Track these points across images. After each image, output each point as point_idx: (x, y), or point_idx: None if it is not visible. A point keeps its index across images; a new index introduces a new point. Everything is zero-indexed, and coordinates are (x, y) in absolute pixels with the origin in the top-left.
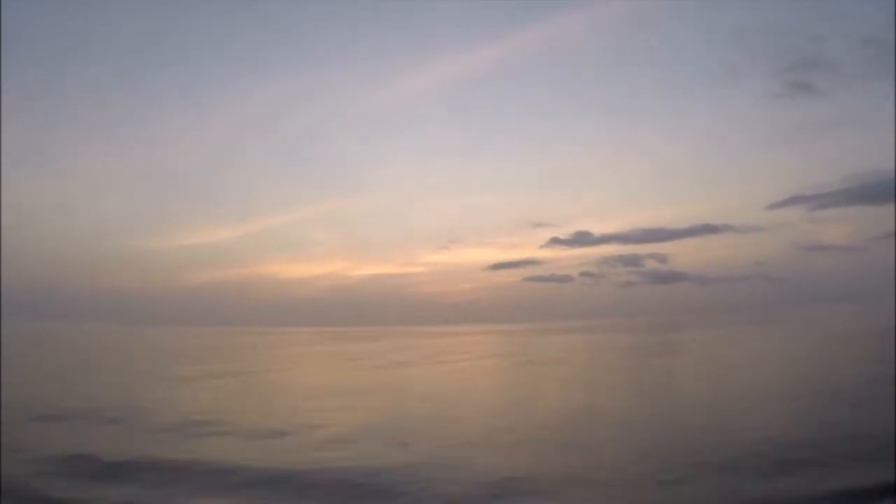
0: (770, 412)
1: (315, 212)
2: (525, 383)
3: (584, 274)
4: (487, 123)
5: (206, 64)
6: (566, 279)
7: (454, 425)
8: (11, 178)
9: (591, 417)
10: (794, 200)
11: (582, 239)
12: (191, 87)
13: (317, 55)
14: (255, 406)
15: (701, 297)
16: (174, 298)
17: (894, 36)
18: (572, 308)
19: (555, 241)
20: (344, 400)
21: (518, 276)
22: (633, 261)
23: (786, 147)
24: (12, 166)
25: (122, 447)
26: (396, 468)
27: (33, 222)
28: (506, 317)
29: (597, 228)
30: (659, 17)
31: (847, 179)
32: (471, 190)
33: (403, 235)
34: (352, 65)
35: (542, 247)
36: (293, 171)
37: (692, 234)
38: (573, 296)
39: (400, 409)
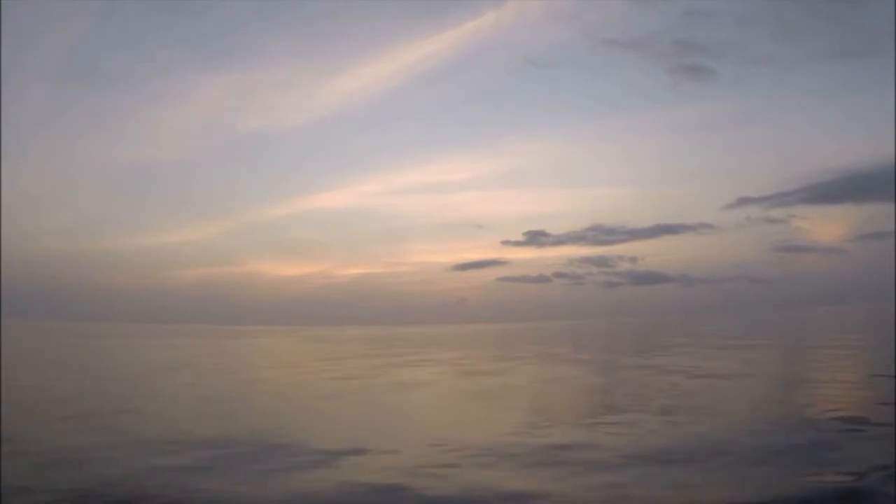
0: None
1: (283, 211)
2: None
3: (558, 274)
4: (428, 121)
5: (179, 57)
6: (541, 279)
7: None
8: None
9: None
10: (745, 201)
11: (536, 240)
12: (167, 81)
13: (284, 47)
14: None
15: (689, 299)
16: (156, 297)
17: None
18: (557, 309)
19: (506, 243)
20: None
21: (492, 277)
22: (602, 262)
23: (702, 142)
24: None
25: None
26: None
27: (10, 220)
28: (497, 317)
29: (547, 228)
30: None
31: (800, 178)
32: (412, 189)
33: (362, 235)
34: (316, 56)
35: (499, 247)
36: (256, 169)
37: (650, 236)
38: (554, 296)
39: None
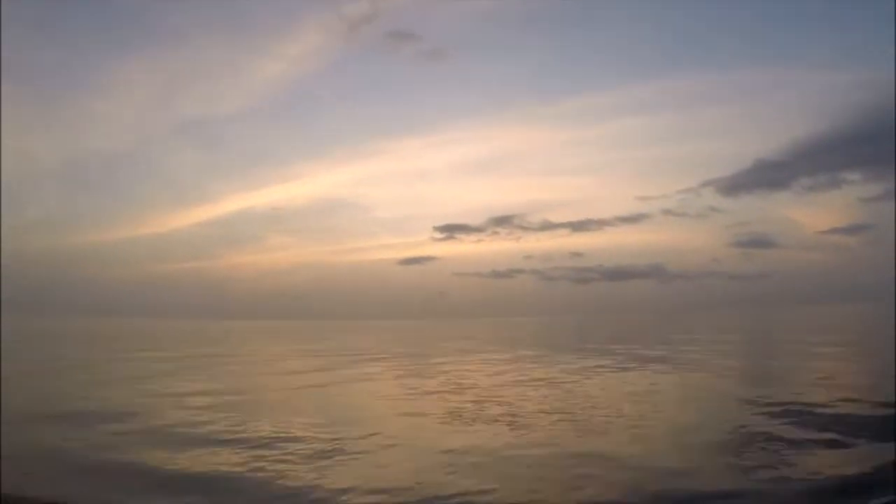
0: None
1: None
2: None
3: (514, 270)
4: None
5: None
6: (497, 275)
7: None
8: None
9: None
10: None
11: (453, 235)
12: (98, 71)
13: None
14: None
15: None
16: (122, 290)
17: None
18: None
19: (431, 239)
20: None
21: (445, 272)
22: (547, 258)
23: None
24: None
25: None
26: None
27: None
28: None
29: (455, 222)
30: None
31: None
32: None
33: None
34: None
35: (421, 242)
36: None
37: (578, 229)
38: (527, 291)
39: None
